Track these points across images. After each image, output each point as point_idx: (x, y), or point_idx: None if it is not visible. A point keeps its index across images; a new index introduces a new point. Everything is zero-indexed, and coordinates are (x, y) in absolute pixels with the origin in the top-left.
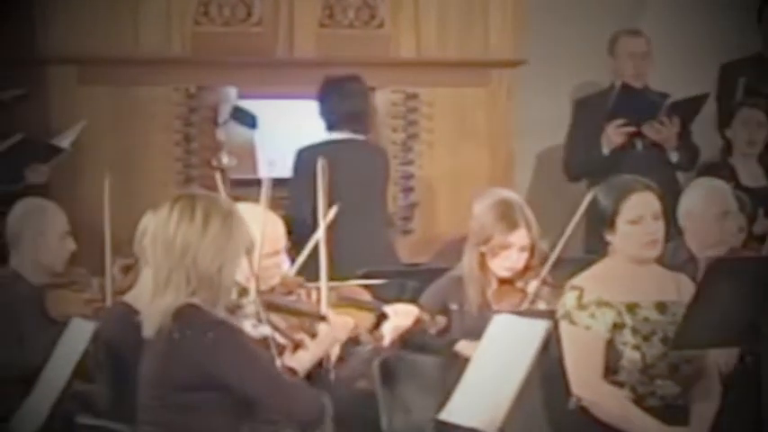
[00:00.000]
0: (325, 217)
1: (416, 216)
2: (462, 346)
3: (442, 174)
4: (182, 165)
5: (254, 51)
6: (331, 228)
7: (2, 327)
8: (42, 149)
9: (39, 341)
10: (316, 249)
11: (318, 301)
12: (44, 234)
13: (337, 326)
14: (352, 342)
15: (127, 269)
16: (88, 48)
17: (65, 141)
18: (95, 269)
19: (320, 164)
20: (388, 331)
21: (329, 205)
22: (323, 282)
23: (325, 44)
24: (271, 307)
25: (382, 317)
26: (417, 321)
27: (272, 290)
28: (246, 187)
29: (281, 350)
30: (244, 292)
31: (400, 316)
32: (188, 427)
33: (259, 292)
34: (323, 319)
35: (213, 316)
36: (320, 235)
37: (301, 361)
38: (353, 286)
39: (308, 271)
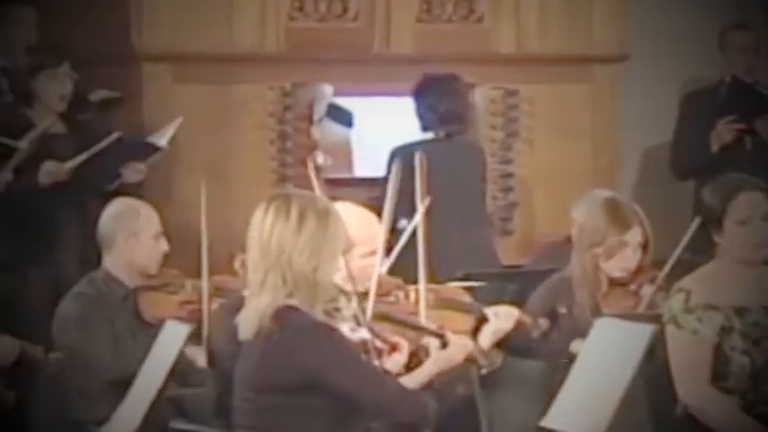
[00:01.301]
0: (422, 214)
1: (516, 216)
2: (577, 346)
3: (543, 173)
4: (276, 164)
5: (350, 48)
6: (428, 228)
7: (96, 330)
8: (139, 147)
9: (133, 344)
10: (412, 250)
11: (417, 302)
12: (137, 235)
13: (456, 346)
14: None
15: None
16: (183, 46)
17: (162, 139)
18: (189, 270)
19: (418, 158)
20: (488, 334)
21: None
22: (421, 284)
23: (423, 40)
24: (385, 318)
25: (482, 320)
26: (519, 324)
27: (367, 291)
28: (342, 187)
29: (380, 354)
30: (342, 294)
31: (501, 318)
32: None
33: (359, 296)
34: (441, 337)
35: (312, 317)
36: (419, 235)
37: (413, 378)
38: (452, 288)
39: (406, 273)
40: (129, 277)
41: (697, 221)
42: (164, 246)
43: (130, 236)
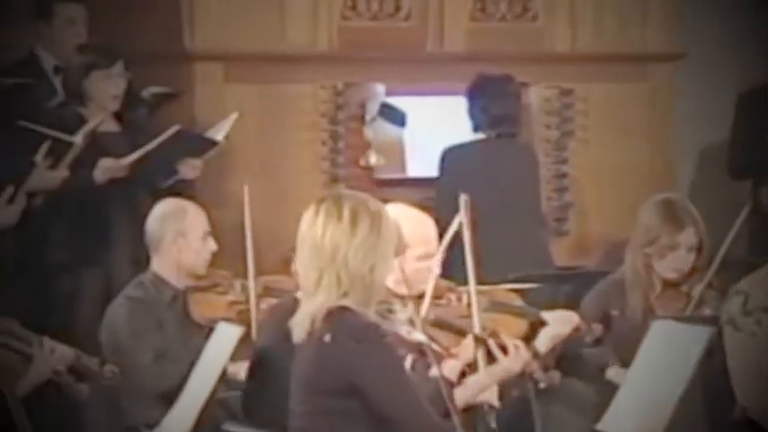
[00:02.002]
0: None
1: (571, 217)
2: (613, 374)
3: (598, 173)
4: (328, 164)
5: (402, 46)
6: (479, 230)
7: (145, 334)
8: (196, 142)
9: (183, 346)
10: (462, 252)
11: (469, 305)
12: (185, 235)
13: (515, 357)
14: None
15: None
16: (235, 45)
17: (218, 134)
18: (239, 271)
19: (463, 200)
20: (546, 339)
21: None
22: (471, 286)
23: (477, 38)
24: (441, 325)
25: (536, 324)
26: (575, 329)
27: (422, 295)
28: (394, 187)
29: (438, 358)
30: (396, 297)
31: (559, 323)
32: None
33: (413, 298)
34: (500, 348)
35: (366, 319)
36: (465, 237)
37: (467, 389)
38: (505, 291)
39: (457, 275)
40: (177, 278)
41: (745, 212)
42: (212, 246)
43: (178, 236)
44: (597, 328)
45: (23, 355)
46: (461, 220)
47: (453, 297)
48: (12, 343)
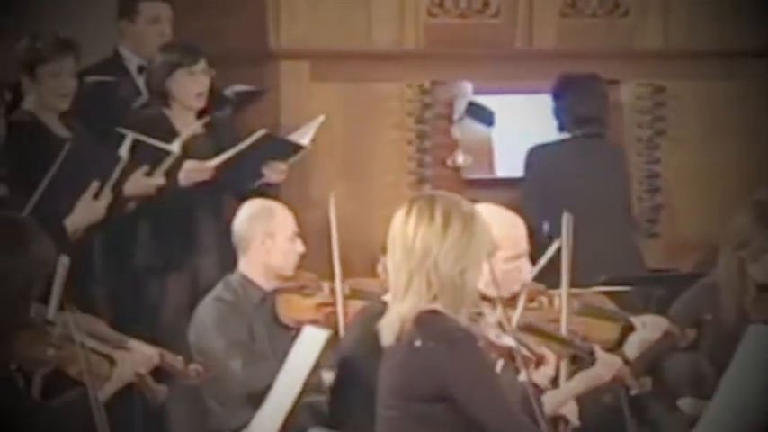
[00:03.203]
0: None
1: (663, 218)
2: (686, 405)
3: (692, 173)
4: (415, 164)
5: (490, 44)
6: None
7: (235, 333)
8: (282, 146)
9: (271, 348)
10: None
11: (561, 308)
12: (273, 237)
13: (605, 364)
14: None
15: None
16: (320, 43)
17: (304, 138)
18: (326, 273)
19: (565, 218)
20: (635, 345)
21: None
22: (564, 291)
23: (567, 35)
24: (532, 330)
25: (628, 329)
26: (666, 335)
27: (513, 297)
28: (482, 188)
29: (527, 363)
30: (485, 299)
31: (648, 328)
32: None
33: (502, 301)
34: (591, 354)
35: (456, 323)
36: (564, 242)
37: (558, 395)
38: (597, 295)
39: (547, 277)
40: (265, 280)
41: None
42: (299, 247)
43: (266, 238)
44: (690, 334)
45: (108, 358)
46: (564, 238)
47: (545, 300)
48: (97, 345)
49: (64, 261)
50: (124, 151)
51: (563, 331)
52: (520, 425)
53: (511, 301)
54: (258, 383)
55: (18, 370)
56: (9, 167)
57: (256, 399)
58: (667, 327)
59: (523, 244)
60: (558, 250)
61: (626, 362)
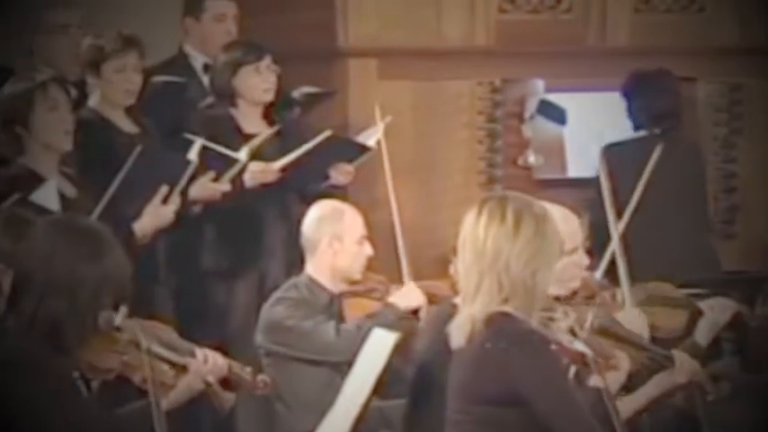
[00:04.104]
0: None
1: (739, 219)
2: None
3: None
4: (485, 164)
5: (563, 40)
6: (641, 231)
7: (304, 316)
8: (349, 147)
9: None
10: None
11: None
12: (341, 239)
13: (682, 367)
14: None
15: None
16: (389, 40)
17: (371, 139)
18: (392, 275)
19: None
20: (705, 330)
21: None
22: (624, 283)
23: (641, 31)
24: (605, 333)
25: (696, 314)
26: (736, 318)
27: (574, 294)
28: (553, 188)
29: (598, 369)
30: (556, 301)
31: (717, 311)
32: None
33: (570, 302)
34: (668, 359)
35: (528, 326)
36: (614, 235)
37: (632, 400)
38: (662, 284)
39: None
40: (332, 282)
41: None
42: (368, 250)
43: (334, 239)
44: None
45: (175, 366)
46: (613, 231)
47: (607, 295)
48: (164, 352)
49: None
50: (193, 155)
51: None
52: (591, 429)
53: (571, 298)
54: (354, 348)
55: (80, 377)
56: (76, 166)
57: (320, 404)
58: (736, 308)
59: (579, 236)
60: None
61: (695, 349)
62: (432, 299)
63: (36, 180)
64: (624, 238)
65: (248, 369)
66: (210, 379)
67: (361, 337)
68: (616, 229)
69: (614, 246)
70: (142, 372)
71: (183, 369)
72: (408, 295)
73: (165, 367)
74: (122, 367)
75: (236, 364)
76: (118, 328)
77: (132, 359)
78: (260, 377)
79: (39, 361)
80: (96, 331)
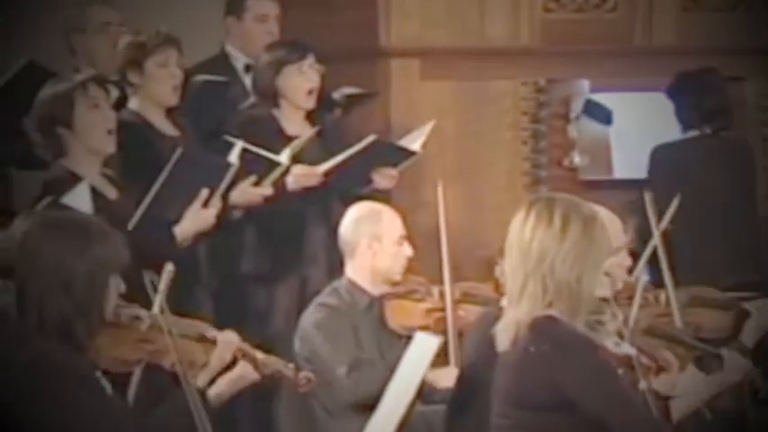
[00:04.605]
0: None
1: None
2: None
3: None
4: (529, 165)
5: (608, 39)
6: (691, 234)
7: (341, 339)
8: (393, 152)
9: (379, 355)
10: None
11: (667, 304)
12: (380, 239)
13: (733, 366)
14: None
15: None
16: (432, 40)
17: (415, 143)
18: (435, 277)
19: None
20: (751, 332)
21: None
22: (668, 284)
23: (688, 30)
24: (653, 334)
25: (742, 316)
26: None
27: (616, 295)
28: (599, 189)
29: (646, 372)
30: (605, 302)
31: (764, 312)
32: None
33: (618, 304)
34: (718, 357)
35: (572, 329)
36: (656, 236)
37: (684, 401)
38: (704, 287)
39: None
40: (372, 285)
41: None
42: (407, 251)
43: (373, 240)
44: None
45: (202, 341)
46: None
47: (650, 296)
48: (186, 329)
49: (169, 268)
50: (234, 158)
51: (677, 324)
52: (651, 422)
53: (613, 299)
54: (365, 392)
55: (105, 375)
56: (117, 169)
57: (363, 408)
58: None
59: (620, 239)
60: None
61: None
62: (471, 299)
63: (76, 182)
64: (670, 239)
65: (291, 365)
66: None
67: (371, 387)
68: (659, 230)
69: (656, 247)
70: (171, 355)
71: (211, 343)
72: (448, 376)
73: (193, 346)
74: (150, 356)
75: (280, 361)
76: (138, 317)
77: (158, 345)
78: (302, 374)
79: (60, 363)
80: (113, 324)
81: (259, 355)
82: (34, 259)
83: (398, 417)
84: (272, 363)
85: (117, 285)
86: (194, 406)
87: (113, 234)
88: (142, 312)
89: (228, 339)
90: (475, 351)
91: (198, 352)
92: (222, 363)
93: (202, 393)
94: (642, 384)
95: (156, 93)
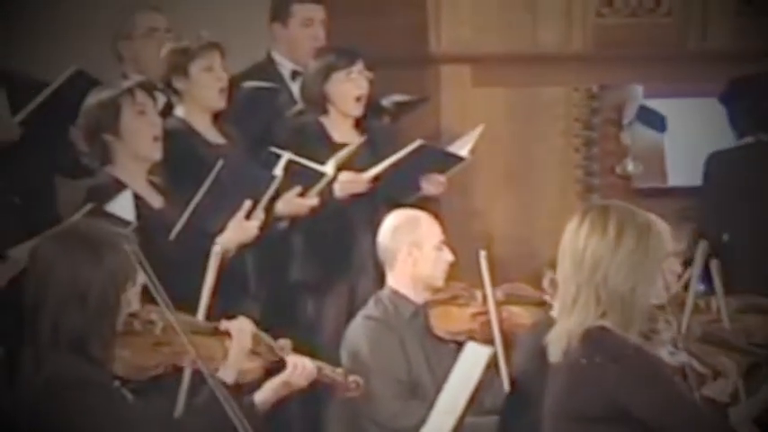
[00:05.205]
0: None
1: None
2: None
3: None
4: (582, 172)
5: (662, 44)
6: (746, 238)
7: (386, 358)
8: (440, 157)
9: (426, 365)
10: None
11: (719, 310)
12: (420, 246)
13: None
14: None
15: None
16: (483, 46)
17: (464, 149)
18: (476, 282)
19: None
20: None
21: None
22: (719, 292)
23: (743, 34)
24: (709, 341)
25: None
26: None
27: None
28: (652, 197)
29: (701, 380)
30: (660, 310)
31: None
32: None
33: (672, 311)
34: None
35: (625, 340)
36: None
37: (746, 408)
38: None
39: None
40: (415, 292)
41: None
42: (448, 256)
43: (413, 247)
44: None
45: (216, 334)
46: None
47: (702, 303)
48: (198, 325)
49: (209, 280)
50: (279, 170)
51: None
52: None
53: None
54: (402, 424)
55: (123, 384)
56: (163, 177)
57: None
58: None
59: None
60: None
61: None
62: (515, 300)
63: (120, 190)
64: (723, 247)
65: (339, 370)
66: (303, 383)
67: (409, 421)
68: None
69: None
70: (189, 353)
71: (225, 335)
72: None
73: (208, 341)
74: (168, 358)
75: (327, 366)
76: (151, 321)
77: (174, 346)
78: (351, 378)
79: (78, 377)
80: (132, 334)
81: (308, 361)
82: (47, 275)
83: (450, 428)
84: (322, 368)
85: (128, 298)
86: (226, 403)
87: (123, 244)
88: (154, 316)
89: (242, 326)
90: (527, 360)
91: (215, 346)
92: (243, 351)
93: (236, 394)
94: (698, 394)
95: (203, 97)
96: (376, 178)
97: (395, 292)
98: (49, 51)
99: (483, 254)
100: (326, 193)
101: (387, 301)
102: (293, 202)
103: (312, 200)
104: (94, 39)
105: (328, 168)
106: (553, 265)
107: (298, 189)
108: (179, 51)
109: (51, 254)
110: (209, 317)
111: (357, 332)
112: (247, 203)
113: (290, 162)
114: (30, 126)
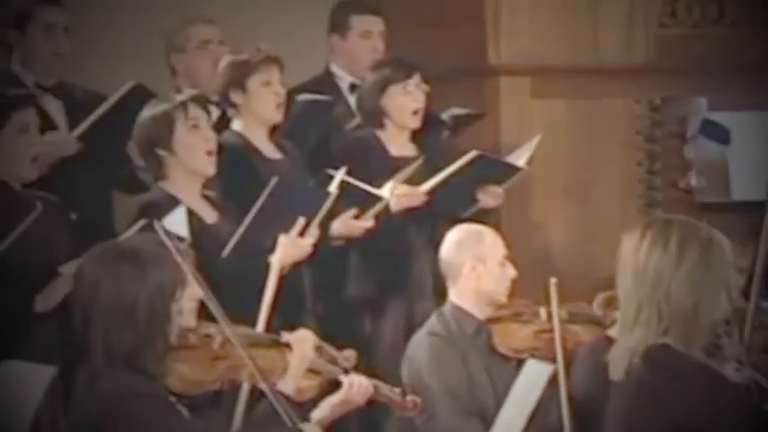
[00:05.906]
0: None
1: None
2: None
3: None
4: (644, 186)
5: (726, 56)
6: None
7: (449, 375)
8: (497, 168)
9: (489, 381)
10: None
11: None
12: (484, 261)
13: None
14: None
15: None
16: (543, 57)
17: (521, 159)
18: (542, 299)
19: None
20: None
21: None
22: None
23: None
24: None
25: None
26: None
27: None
28: (716, 212)
29: (765, 396)
30: (724, 326)
31: None
32: None
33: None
34: None
35: (689, 358)
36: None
37: None
38: None
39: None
40: (477, 308)
41: None
42: (511, 271)
43: (477, 262)
44: None
45: (276, 346)
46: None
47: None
48: (257, 337)
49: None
50: (334, 188)
51: None
52: None
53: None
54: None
55: (179, 399)
56: (218, 191)
57: None
58: None
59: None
60: None
61: None
62: (579, 319)
63: (174, 205)
64: None
65: (397, 390)
66: (360, 400)
67: None
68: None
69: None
70: (247, 367)
71: (285, 347)
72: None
73: (268, 353)
74: (226, 372)
75: (385, 386)
76: (209, 336)
77: (233, 360)
78: (409, 397)
79: (134, 393)
80: (189, 348)
81: (365, 379)
82: (93, 293)
83: None
84: (379, 386)
85: (178, 306)
86: (285, 416)
87: (167, 256)
88: (212, 329)
89: (304, 337)
90: (587, 379)
91: (275, 358)
92: (305, 362)
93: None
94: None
95: (260, 112)
96: (432, 191)
97: (457, 308)
98: (106, 65)
99: (553, 281)
100: (383, 212)
101: (449, 317)
102: (349, 224)
103: (368, 222)
104: (151, 52)
105: (385, 192)
106: (607, 287)
107: (354, 211)
108: (238, 64)
109: (95, 272)
110: (267, 332)
111: (419, 348)
112: (301, 221)
113: (345, 182)
114: (88, 141)
